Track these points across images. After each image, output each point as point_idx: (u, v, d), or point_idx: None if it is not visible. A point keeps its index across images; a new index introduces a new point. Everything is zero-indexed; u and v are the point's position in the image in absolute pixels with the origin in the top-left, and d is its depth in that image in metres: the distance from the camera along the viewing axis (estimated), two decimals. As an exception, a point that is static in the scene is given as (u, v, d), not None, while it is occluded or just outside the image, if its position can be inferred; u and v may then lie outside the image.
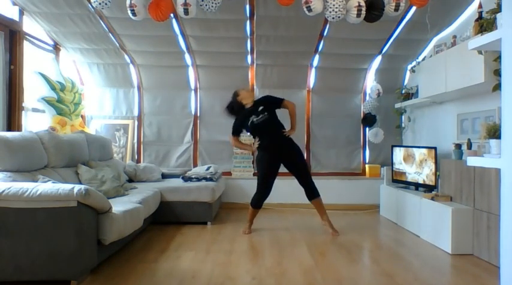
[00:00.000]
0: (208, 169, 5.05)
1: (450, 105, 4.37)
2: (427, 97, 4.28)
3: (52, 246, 2.45)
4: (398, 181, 4.78)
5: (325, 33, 4.88)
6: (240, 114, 4.09)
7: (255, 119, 3.96)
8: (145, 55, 5.27)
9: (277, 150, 3.97)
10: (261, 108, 3.98)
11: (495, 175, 2.99)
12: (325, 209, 4.07)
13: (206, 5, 3.52)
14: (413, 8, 4.26)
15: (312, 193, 4.01)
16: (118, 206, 3.04)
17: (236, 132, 4.15)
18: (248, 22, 4.68)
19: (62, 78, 4.63)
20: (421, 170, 4.30)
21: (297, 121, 4.10)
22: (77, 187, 2.49)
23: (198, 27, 4.67)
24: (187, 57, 5.33)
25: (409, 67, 5.23)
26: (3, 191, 2.44)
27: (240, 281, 2.65)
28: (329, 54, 5.26)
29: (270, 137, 3.98)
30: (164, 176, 5.20)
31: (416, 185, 4.39)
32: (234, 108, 4.12)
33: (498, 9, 2.78)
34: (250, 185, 5.50)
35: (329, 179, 5.55)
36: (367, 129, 5.68)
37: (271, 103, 4.07)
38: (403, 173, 4.67)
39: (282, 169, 4.06)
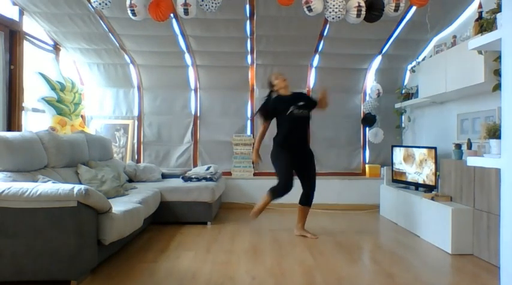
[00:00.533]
0: (208, 169, 5.05)
1: (450, 105, 4.37)
2: (427, 97, 4.28)
3: (52, 247, 2.44)
4: (399, 181, 4.78)
5: (325, 33, 4.88)
6: (275, 98, 3.87)
7: (295, 110, 3.72)
8: (145, 55, 5.27)
9: (296, 151, 3.81)
10: (301, 103, 3.78)
11: (495, 175, 2.99)
12: (306, 219, 4.00)
13: (206, 5, 3.52)
14: (413, 8, 4.26)
15: (307, 200, 3.94)
16: (118, 206, 3.04)
17: (269, 117, 3.86)
18: (248, 22, 4.68)
19: (62, 78, 4.63)
20: (421, 170, 4.30)
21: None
22: (77, 187, 2.49)
23: (198, 27, 4.67)
24: (187, 57, 5.34)
25: (409, 67, 5.23)
26: (3, 191, 2.44)
27: (240, 281, 2.64)
28: (329, 54, 5.26)
29: (297, 136, 3.81)
30: (164, 176, 5.19)
31: (416, 185, 4.39)
32: (271, 97, 3.93)
33: (498, 9, 2.77)
34: (250, 185, 5.52)
35: (329, 179, 5.55)
36: (367, 129, 5.68)
37: (311, 102, 3.89)
38: (403, 173, 4.67)
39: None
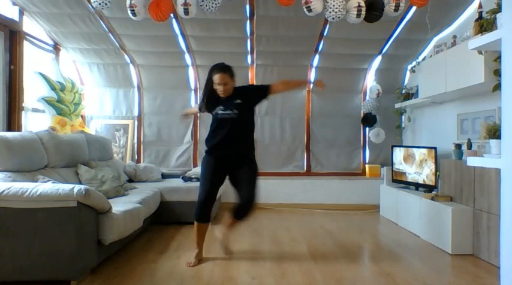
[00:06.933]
0: (208, 169, 5.04)
1: (450, 105, 4.37)
2: (427, 97, 4.28)
3: (52, 246, 2.44)
4: (399, 181, 4.78)
5: (325, 33, 4.88)
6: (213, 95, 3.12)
7: (219, 111, 3.06)
8: (145, 55, 5.27)
9: (227, 160, 3.10)
10: (238, 101, 3.06)
11: (495, 175, 2.99)
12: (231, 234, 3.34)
13: (206, 5, 3.53)
14: (413, 8, 4.26)
15: (239, 213, 3.08)
16: (118, 206, 3.04)
17: (200, 108, 3.29)
18: (248, 22, 4.68)
19: (62, 78, 4.63)
20: (421, 170, 4.30)
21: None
22: (77, 187, 2.49)
23: (198, 27, 4.67)
24: (187, 57, 5.33)
25: (409, 67, 5.23)
26: (3, 191, 2.44)
27: (240, 281, 2.65)
28: (329, 54, 5.26)
29: (228, 141, 3.07)
30: (164, 176, 5.19)
31: (417, 185, 4.39)
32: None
33: (498, 9, 2.78)
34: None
35: (329, 179, 5.56)
36: (367, 129, 5.68)
37: (254, 93, 3.15)
38: (403, 173, 4.67)
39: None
